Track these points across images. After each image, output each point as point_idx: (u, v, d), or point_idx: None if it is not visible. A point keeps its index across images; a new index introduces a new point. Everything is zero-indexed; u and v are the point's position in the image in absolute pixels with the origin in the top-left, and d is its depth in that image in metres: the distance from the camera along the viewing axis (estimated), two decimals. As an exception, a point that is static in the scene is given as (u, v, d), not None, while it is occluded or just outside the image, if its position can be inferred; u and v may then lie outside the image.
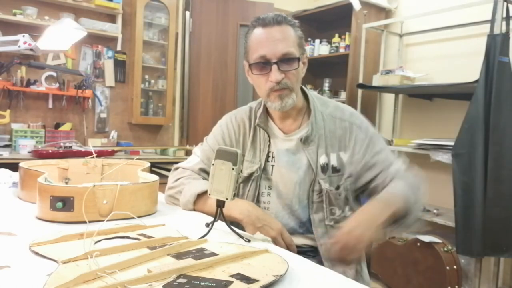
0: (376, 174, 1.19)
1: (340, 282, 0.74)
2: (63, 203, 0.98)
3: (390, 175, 1.17)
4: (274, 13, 1.17)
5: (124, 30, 3.47)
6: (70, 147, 2.91)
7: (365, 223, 1.02)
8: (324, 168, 1.20)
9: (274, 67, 1.12)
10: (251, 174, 1.24)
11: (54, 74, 3.22)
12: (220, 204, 0.94)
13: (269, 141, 1.25)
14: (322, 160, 1.20)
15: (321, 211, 1.20)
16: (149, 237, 0.88)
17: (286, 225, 1.19)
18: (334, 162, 1.20)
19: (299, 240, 1.21)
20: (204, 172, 1.29)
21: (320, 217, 1.20)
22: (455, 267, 2.34)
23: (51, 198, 0.98)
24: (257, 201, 1.25)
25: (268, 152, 1.25)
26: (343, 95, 3.63)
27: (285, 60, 1.13)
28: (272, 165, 1.24)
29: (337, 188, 1.20)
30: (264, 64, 1.14)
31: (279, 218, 1.20)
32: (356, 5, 3.28)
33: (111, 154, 3.06)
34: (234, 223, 1.04)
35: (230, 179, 0.91)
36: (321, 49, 3.80)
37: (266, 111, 1.28)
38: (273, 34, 1.13)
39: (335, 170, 1.20)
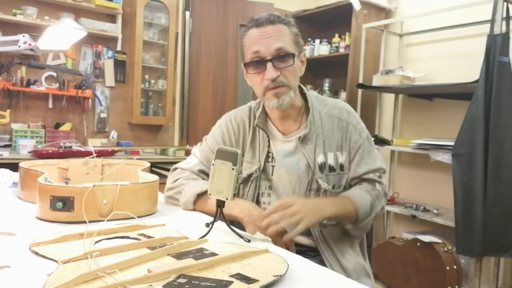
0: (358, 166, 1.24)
1: (340, 282, 0.74)
2: (63, 203, 0.98)
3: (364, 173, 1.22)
4: (268, 13, 1.16)
5: (124, 30, 3.47)
6: (70, 147, 2.91)
7: (309, 206, 1.06)
8: (322, 167, 1.20)
9: (269, 64, 1.12)
10: (250, 175, 1.24)
11: (54, 74, 3.22)
12: (220, 204, 0.94)
13: (268, 141, 1.25)
14: (320, 159, 1.20)
15: None
16: (149, 237, 0.88)
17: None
18: (331, 161, 1.21)
19: (299, 240, 1.21)
20: (203, 174, 1.28)
21: None
22: (455, 267, 2.34)
23: (51, 198, 0.98)
24: (257, 201, 1.24)
25: (268, 152, 1.25)
26: (343, 95, 3.63)
27: (280, 57, 1.12)
28: (272, 166, 1.24)
29: (333, 187, 1.20)
30: (258, 63, 1.14)
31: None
32: (356, 5, 3.28)
33: (111, 154, 3.06)
34: (234, 223, 1.04)
35: (230, 179, 0.91)
36: (321, 49, 3.80)
37: (265, 112, 1.27)
38: (267, 32, 1.13)
39: (332, 169, 1.21)
